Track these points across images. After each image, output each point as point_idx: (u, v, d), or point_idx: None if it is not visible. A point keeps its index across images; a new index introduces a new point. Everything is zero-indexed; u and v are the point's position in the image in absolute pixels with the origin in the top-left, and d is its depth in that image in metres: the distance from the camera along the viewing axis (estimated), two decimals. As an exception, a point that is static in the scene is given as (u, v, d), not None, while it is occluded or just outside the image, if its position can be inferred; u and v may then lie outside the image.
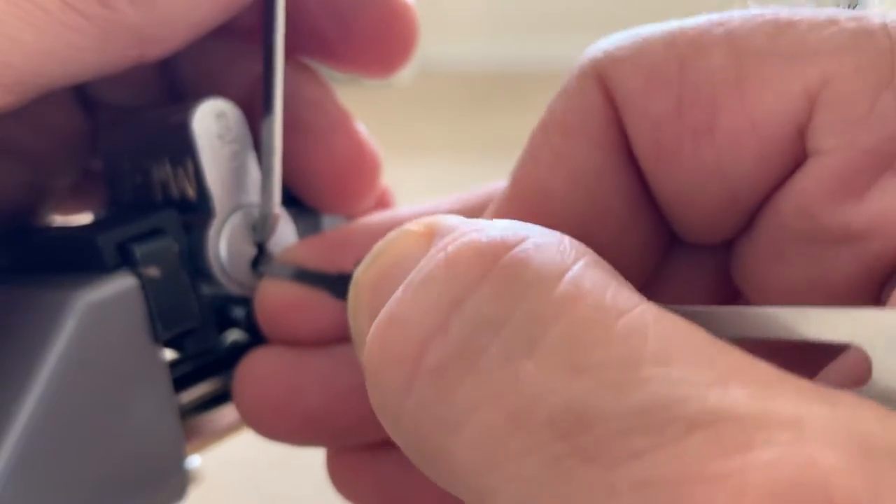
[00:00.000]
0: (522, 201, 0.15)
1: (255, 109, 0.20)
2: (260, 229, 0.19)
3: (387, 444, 0.19)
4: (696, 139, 0.13)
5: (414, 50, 0.21)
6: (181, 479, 0.19)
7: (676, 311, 0.11)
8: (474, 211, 0.18)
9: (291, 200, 0.21)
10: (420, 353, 0.11)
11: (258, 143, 0.19)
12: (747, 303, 0.15)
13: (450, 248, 0.12)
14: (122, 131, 0.21)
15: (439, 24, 2.64)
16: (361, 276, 0.14)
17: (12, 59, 0.16)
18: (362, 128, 0.21)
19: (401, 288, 0.12)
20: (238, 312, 0.22)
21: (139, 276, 0.18)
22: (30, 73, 0.16)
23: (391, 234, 0.14)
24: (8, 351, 0.17)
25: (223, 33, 0.20)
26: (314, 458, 0.21)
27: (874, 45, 0.13)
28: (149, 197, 0.20)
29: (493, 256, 0.11)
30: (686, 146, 0.14)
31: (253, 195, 0.19)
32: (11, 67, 0.16)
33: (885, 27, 0.13)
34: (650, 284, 0.16)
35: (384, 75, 0.21)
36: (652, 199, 0.15)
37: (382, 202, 0.22)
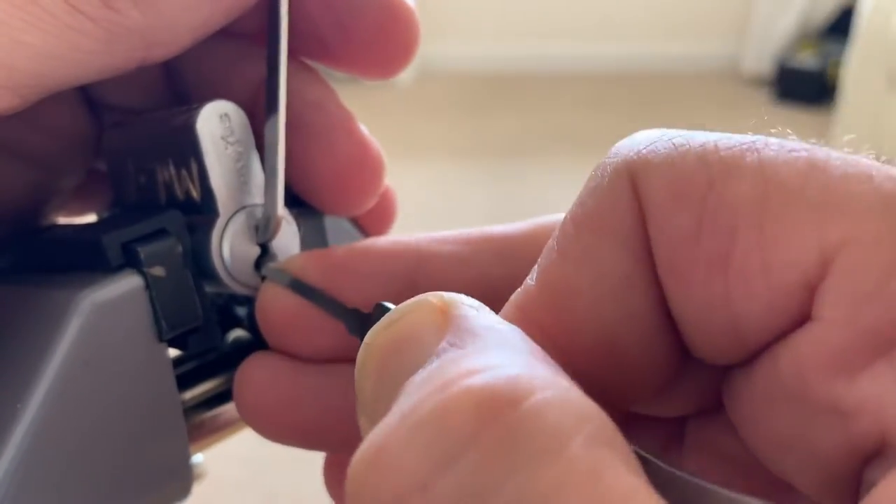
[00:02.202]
0: (548, 298, 0.14)
1: (258, 111, 0.20)
2: (263, 230, 0.19)
3: None
4: (710, 267, 0.13)
5: (415, 52, 0.21)
6: (186, 477, 0.19)
7: (676, 480, 0.11)
8: (502, 254, 0.19)
9: (294, 201, 0.21)
10: (401, 501, 0.11)
11: (261, 145, 0.19)
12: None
13: (447, 392, 0.11)
14: (126, 133, 0.21)
15: (439, 26, 2.64)
16: (373, 340, 0.14)
17: (17, 61, 0.16)
18: (364, 128, 0.21)
19: (396, 414, 0.11)
20: (241, 312, 0.22)
21: (144, 276, 0.18)
22: (35, 74, 0.16)
23: (407, 304, 0.14)
24: (14, 350, 0.18)
25: (226, 36, 0.20)
26: (316, 456, 0.21)
27: None
28: (153, 198, 0.20)
29: (491, 414, 0.11)
30: (699, 272, 0.13)
31: (256, 196, 0.20)
32: (16, 69, 0.16)
33: None
34: (666, 392, 0.16)
35: (385, 77, 0.21)
36: None
37: (384, 202, 0.22)
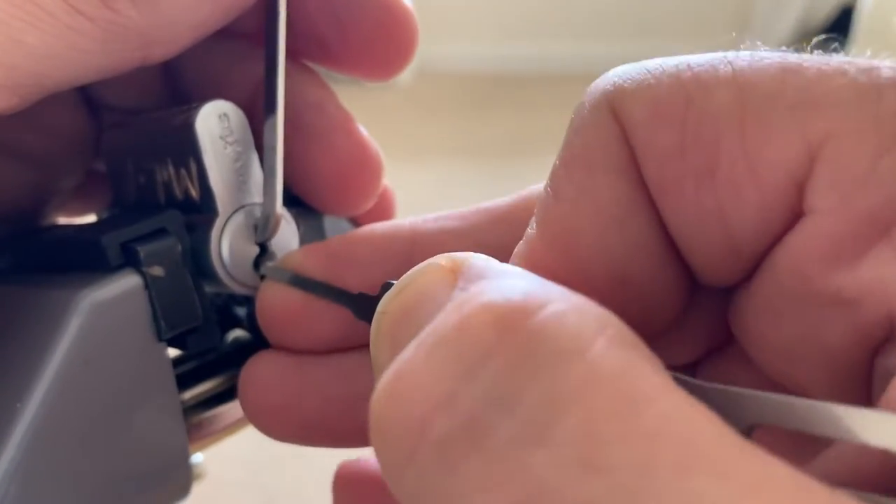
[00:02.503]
0: (550, 242, 0.14)
1: (257, 111, 0.20)
2: (262, 229, 0.19)
3: None
4: (698, 181, 0.13)
5: (413, 54, 0.21)
6: (185, 477, 0.19)
7: (706, 392, 0.11)
8: (497, 222, 0.19)
9: (293, 201, 0.21)
10: (425, 422, 0.11)
11: (260, 145, 0.20)
12: (743, 352, 0.15)
13: (465, 309, 0.11)
14: (125, 133, 0.21)
15: (439, 26, 2.64)
16: (386, 308, 0.14)
17: (17, 60, 0.16)
18: (363, 129, 0.21)
19: (413, 344, 0.11)
20: (240, 311, 0.22)
21: (143, 275, 0.18)
22: (34, 74, 0.16)
23: (417, 268, 0.14)
24: (14, 349, 0.18)
25: (225, 36, 0.20)
26: (315, 456, 0.21)
27: (881, 105, 0.12)
28: (152, 197, 0.20)
29: (510, 323, 0.11)
30: (688, 187, 0.13)
31: (255, 195, 0.20)
32: (16, 69, 0.16)
33: (895, 86, 0.12)
34: (679, 323, 0.16)
35: (384, 79, 0.21)
36: None
37: (383, 202, 0.22)
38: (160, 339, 0.18)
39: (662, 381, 0.10)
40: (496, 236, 0.18)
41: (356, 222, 0.23)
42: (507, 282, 0.12)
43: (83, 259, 0.18)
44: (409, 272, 0.14)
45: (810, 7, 2.67)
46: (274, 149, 0.19)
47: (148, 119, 0.21)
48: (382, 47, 0.20)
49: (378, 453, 0.11)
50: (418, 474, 0.11)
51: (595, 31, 2.78)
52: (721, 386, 0.12)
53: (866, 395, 0.13)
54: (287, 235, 0.20)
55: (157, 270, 0.18)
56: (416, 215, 0.20)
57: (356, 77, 0.21)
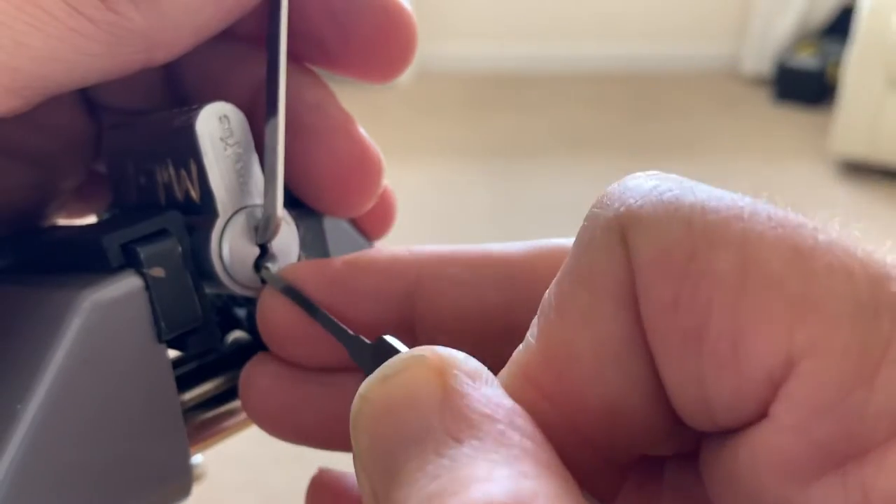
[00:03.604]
0: (549, 361, 0.14)
1: (257, 113, 0.20)
2: (262, 230, 0.19)
3: None
4: (685, 342, 0.13)
5: (412, 56, 0.21)
6: (186, 478, 0.19)
7: None
8: (501, 279, 0.19)
9: (293, 202, 0.21)
10: None
11: (261, 146, 0.20)
12: None
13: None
14: (125, 134, 0.21)
15: (439, 26, 2.64)
16: (368, 393, 0.14)
17: (20, 63, 0.16)
18: (363, 130, 0.21)
19: None
20: (240, 313, 0.22)
21: (143, 276, 0.18)
22: (38, 76, 0.16)
23: (403, 359, 0.14)
24: (14, 350, 0.18)
25: (225, 38, 0.20)
26: (315, 456, 0.21)
27: (872, 331, 0.12)
28: (152, 199, 0.20)
29: None
30: (675, 344, 0.13)
31: (255, 197, 0.20)
32: (20, 71, 0.16)
33: (893, 310, 0.12)
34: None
35: (383, 81, 0.21)
36: None
37: (383, 203, 0.23)
38: (160, 340, 0.18)
39: None
40: (497, 295, 0.18)
41: (357, 223, 0.23)
42: (494, 474, 0.12)
43: (84, 260, 0.19)
44: (394, 360, 0.14)
45: (810, 7, 2.67)
46: (275, 150, 0.19)
47: (148, 120, 0.21)
48: (382, 50, 0.20)
49: None
50: None
51: (595, 32, 2.78)
52: None
53: None
54: (287, 237, 0.20)
55: (158, 271, 0.18)
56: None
57: (356, 79, 0.22)
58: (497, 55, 2.76)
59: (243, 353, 0.21)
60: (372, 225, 0.23)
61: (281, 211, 0.19)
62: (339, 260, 0.20)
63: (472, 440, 0.12)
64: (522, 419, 0.13)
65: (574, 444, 0.14)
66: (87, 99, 0.22)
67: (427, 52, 2.47)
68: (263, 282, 0.20)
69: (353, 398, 0.17)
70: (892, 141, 2.01)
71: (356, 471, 0.14)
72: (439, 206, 1.88)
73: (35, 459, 0.16)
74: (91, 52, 0.16)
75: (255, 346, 0.21)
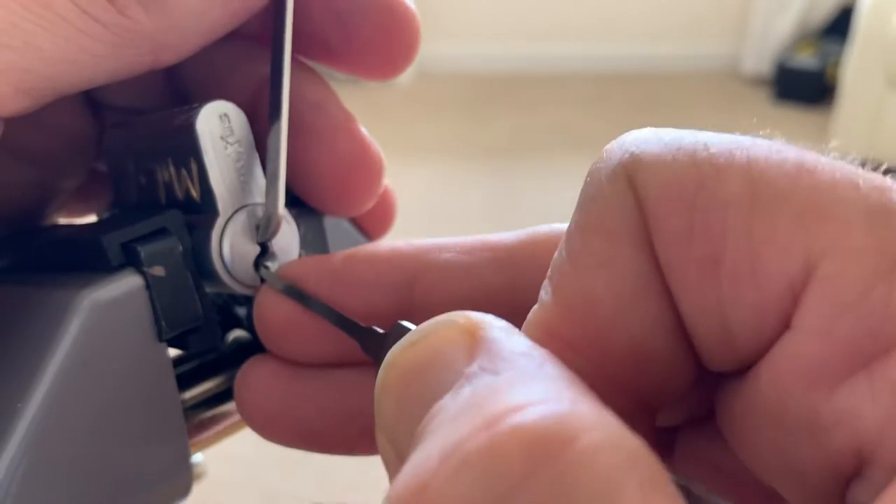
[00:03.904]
0: (568, 311, 0.14)
1: (257, 111, 0.20)
2: (263, 229, 0.19)
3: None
4: (702, 269, 0.13)
5: (415, 54, 0.21)
6: (186, 476, 0.19)
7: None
8: (501, 262, 0.18)
9: (294, 201, 0.21)
10: None
11: (261, 145, 0.20)
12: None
13: (496, 431, 0.11)
14: (126, 133, 0.21)
15: (439, 26, 2.64)
16: (395, 360, 0.14)
17: (31, 64, 0.16)
18: (364, 129, 0.21)
19: (436, 452, 0.11)
20: (241, 311, 0.22)
21: (144, 275, 0.18)
22: (47, 78, 0.16)
23: (432, 323, 0.14)
24: (14, 349, 0.18)
25: (227, 37, 0.20)
26: (315, 456, 0.21)
27: (886, 230, 0.12)
28: (153, 198, 0.20)
29: (542, 454, 0.10)
30: (692, 274, 0.13)
31: (256, 195, 0.20)
32: (30, 73, 0.16)
33: None
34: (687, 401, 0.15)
35: (386, 78, 0.21)
36: None
37: (383, 202, 0.23)
38: (161, 339, 0.18)
39: None
40: (500, 277, 0.18)
41: (357, 222, 0.23)
42: (535, 393, 0.11)
43: (84, 259, 0.19)
44: (422, 325, 0.14)
45: (810, 7, 2.68)
46: (278, 151, 0.19)
47: (149, 119, 0.21)
48: (385, 47, 0.20)
49: None
50: None
51: (595, 32, 2.78)
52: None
53: None
54: (288, 236, 0.20)
55: (158, 270, 0.18)
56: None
57: (358, 76, 0.22)
58: (497, 55, 2.77)
59: (244, 351, 0.21)
60: (372, 224, 0.23)
61: (282, 210, 0.19)
62: (337, 255, 0.20)
63: (509, 371, 0.12)
64: (557, 361, 0.13)
65: (603, 391, 0.13)
66: (89, 98, 0.22)
67: (427, 52, 2.47)
68: (263, 281, 0.20)
69: (351, 394, 0.17)
70: (891, 141, 2.01)
71: (379, 442, 0.14)
72: (439, 205, 1.88)
73: (35, 458, 0.16)
74: (100, 53, 0.16)
75: (256, 344, 0.21)
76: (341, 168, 0.20)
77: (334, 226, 0.22)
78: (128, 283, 0.18)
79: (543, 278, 0.15)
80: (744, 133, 0.14)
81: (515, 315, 0.16)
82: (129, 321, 0.18)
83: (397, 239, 0.20)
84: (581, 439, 0.10)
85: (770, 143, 0.13)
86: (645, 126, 0.15)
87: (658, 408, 0.15)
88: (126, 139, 0.21)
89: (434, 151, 2.20)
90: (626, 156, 0.14)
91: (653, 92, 2.60)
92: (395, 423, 0.13)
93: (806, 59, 2.53)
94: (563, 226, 0.18)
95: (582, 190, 0.15)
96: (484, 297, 0.18)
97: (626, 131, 0.15)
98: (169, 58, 0.18)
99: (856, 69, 2.05)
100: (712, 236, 0.13)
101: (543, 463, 0.10)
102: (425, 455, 0.11)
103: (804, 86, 2.50)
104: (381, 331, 0.17)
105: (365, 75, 0.21)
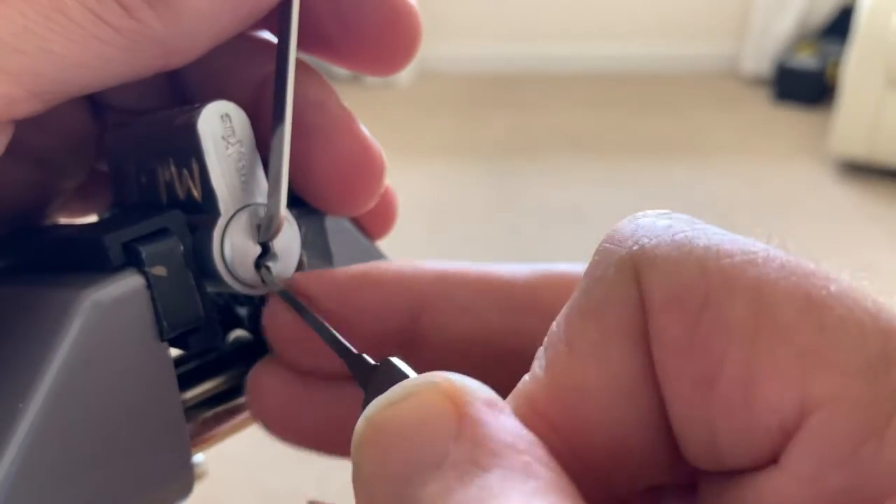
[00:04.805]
0: (558, 393, 0.14)
1: (259, 111, 0.20)
2: (265, 229, 0.19)
3: None
4: (696, 385, 0.13)
5: (417, 49, 0.21)
6: (187, 477, 0.19)
7: None
8: (507, 306, 0.19)
9: (295, 201, 0.21)
10: None
11: (261, 144, 0.20)
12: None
13: None
14: (127, 133, 0.21)
15: (439, 26, 2.64)
16: (374, 415, 0.14)
17: (44, 68, 0.16)
18: (365, 129, 0.21)
19: None
20: (242, 311, 0.22)
21: (145, 275, 0.18)
22: (59, 81, 0.17)
23: (413, 384, 0.14)
24: (15, 349, 0.18)
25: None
26: (313, 456, 0.21)
27: (884, 383, 0.12)
28: (154, 198, 0.20)
29: None
30: (686, 386, 0.13)
31: (257, 196, 0.20)
32: (43, 77, 0.16)
33: None
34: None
35: (387, 74, 0.21)
36: None
37: (384, 202, 0.22)
38: (162, 340, 0.18)
39: None
40: (501, 319, 0.19)
41: (358, 222, 0.23)
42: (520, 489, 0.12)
43: (85, 259, 0.18)
44: (404, 384, 0.14)
45: (810, 7, 2.68)
46: (281, 152, 0.19)
47: (150, 119, 0.21)
48: (386, 42, 0.20)
49: None
50: None
51: (595, 32, 2.78)
52: None
53: None
54: (289, 236, 0.20)
55: (160, 270, 0.18)
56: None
57: (359, 72, 0.21)
58: (497, 55, 2.77)
59: (245, 351, 0.21)
60: (373, 224, 0.23)
61: (284, 211, 0.19)
62: (344, 272, 0.20)
63: (498, 469, 0.12)
64: (543, 451, 0.13)
65: (578, 477, 0.14)
66: (90, 97, 0.22)
67: (427, 52, 2.47)
68: (265, 282, 0.20)
69: (357, 409, 0.17)
70: (891, 141, 2.01)
71: (356, 493, 0.14)
72: (439, 205, 1.88)
73: (36, 458, 0.16)
74: (111, 57, 0.17)
75: (257, 344, 0.21)
76: (342, 167, 0.20)
77: (336, 226, 0.22)
78: (129, 283, 0.18)
79: (547, 327, 0.15)
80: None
81: (513, 357, 0.16)
82: (131, 321, 0.18)
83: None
84: None
85: (783, 263, 0.13)
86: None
87: (631, 493, 0.15)
88: (127, 139, 0.21)
89: (434, 151, 2.20)
90: (636, 248, 0.14)
91: (652, 92, 2.61)
92: (373, 480, 0.13)
93: (806, 60, 2.54)
94: (571, 268, 0.19)
95: (588, 268, 0.15)
96: (486, 339, 0.19)
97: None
98: (178, 61, 0.18)
99: (856, 69, 2.05)
100: (711, 356, 0.13)
101: None
102: None
103: (804, 86, 2.50)
104: (370, 360, 0.17)
105: (366, 71, 0.21)
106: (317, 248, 0.21)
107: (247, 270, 0.19)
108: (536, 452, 0.13)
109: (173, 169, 0.20)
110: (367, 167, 0.21)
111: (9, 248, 0.22)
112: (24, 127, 0.18)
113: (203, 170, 0.19)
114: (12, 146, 0.18)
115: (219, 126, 0.19)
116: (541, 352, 0.15)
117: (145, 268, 0.18)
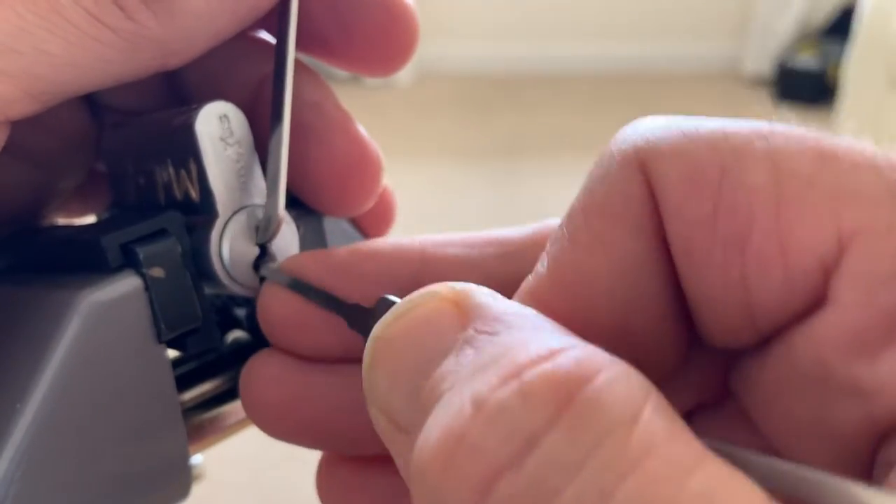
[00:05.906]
0: (560, 284, 0.15)
1: (257, 111, 0.20)
2: (263, 231, 0.19)
3: (379, 460, 0.19)
4: (726, 251, 0.14)
5: (414, 49, 0.21)
6: (185, 478, 0.19)
7: (739, 458, 0.11)
8: (506, 256, 0.19)
9: (293, 202, 0.21)
10: (491, 481, 0.11)
11: (259, 145, 0.20)
12: (736, 412, 0.15)
13: (525, 378, 0.12)
14: (125, 134, 0.21)
15: (439, 26, 2.64)
16: (382, 332, 0.14)
17: (42, 70, 0.16)
18: (363, 129, 0.21)
19: (469, 407, 0.12)
20: (240, 312, 0.22)
21: (143, 276, 0.18)
22: (56, 82, 0.17)
23: (416, 295, 0.14)
24: (13, 350, 0.18)
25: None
26: (313, 456, 0.21)
27: None
28: (152, 198, 0.20)
29: (568, 393, 0.11)
30: (716, 255, 0.14)
31: (255, 196, 0.20)
32: (41, 78, 0.16)
33: None
34: (669, 385, 0.16)
35: (385, 74, 0.21)
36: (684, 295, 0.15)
37: (383, 202, 0.22)
38: (160, 341, 0.18)
39: (702, 448, 0.11)
40: (505, 270, 0.19)
41: (356, 223, 0.23)
42: (549, 342, 0.12)
43: (83, 260, 0.18)
44: (406, 298, 0.14)
45: (810, 7, 2.67)
46: (279, 153, 0.19)
47: (148, 120, 0.21)
48: (384, 42, 0.20)
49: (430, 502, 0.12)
50: None
51: (595, 32, 2.78)
52: (755, 455, 0.13)
53: (865, 479, 0.13)
54: (287, 237, 0.20)
55: (157, 272, 0.18)
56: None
57: (357, 72, 0.21)
58: (497, 55, 2.76)
59: (243, 352, 0.21)
60: (372, 224, 0.23)
61: (282, 212, 0.19)
62: (340, 250, 0.20)
63: (506, 330, 0.13)
64: (549, 321, 0.13)
65: None
66: (88, 98, 0.22)
67: (427, 52, 2.47)
68: (262, 281, 0.19)
69: (356, 389, 0.17)
70: (892, 141, 2.01)
71: (371, 413, 0.14)
72: (438, 205, 1.88)
73: (34, 459, 0.16)
74: (108, 58, 0.17)
75: (255, 345, 0.21)
76: (340, 168, 0.20)
77: (334, 227, 0.22)
78: (127, 285, 0.18)
79: None
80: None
81: None
82: (128, 322, 0.18)
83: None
84: (600, 375, 0.12)
85: (787, 130, 0.14)
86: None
87: None
88: (125, 140, 0.21)
89: (433, 152, 2.20)
90: (642, 142, 0.14)
91: (653, 92, 2.61)
92: (389, 393, 0.14)
93: (807, 60, 2.53)
94: None
95: (590, 172, 0.15)
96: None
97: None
98: (176, 62, 0.18)
99: (857, 70, 2.05)
100: (738, 217, 0.13)
101: (571, 399, 0.11)
102: (455, 409, 0.12)
103: (805, 86, 2.50)
104: (367, 307, 0.17)
105: (364, 71, 0.21)
106: (315, 249, 0.21)
107: (244, 272, 0.19)
108: (539, 315, 0.13)
109: (171, 170, 0.20)
110: (364, 168, 0.21)
111: (7, 249, 0.22)
112: (21, 127, 0.18)
113: (201, 171, 0.19)
114: (10, 147, 0.18)
115: (217, 127, 0.19)
116: (542, 255, 0.15)
117: (143, 269, 0.18)
